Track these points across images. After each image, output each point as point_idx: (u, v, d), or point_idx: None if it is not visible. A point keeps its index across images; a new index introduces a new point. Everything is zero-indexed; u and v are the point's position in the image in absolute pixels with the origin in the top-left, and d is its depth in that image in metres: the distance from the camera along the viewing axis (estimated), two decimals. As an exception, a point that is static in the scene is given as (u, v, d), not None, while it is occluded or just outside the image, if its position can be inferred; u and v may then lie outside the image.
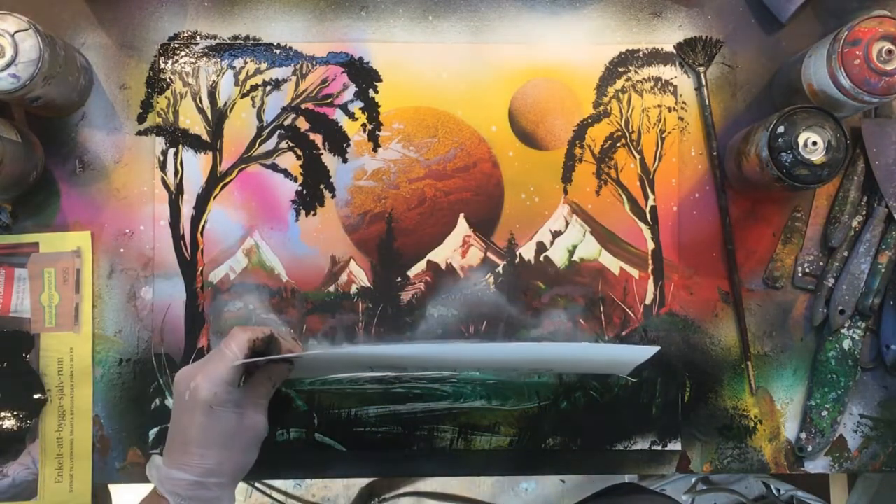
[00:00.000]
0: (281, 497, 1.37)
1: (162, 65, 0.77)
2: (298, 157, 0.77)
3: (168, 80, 0.77)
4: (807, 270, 0.77)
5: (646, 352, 0.63)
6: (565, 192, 0.77)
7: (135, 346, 0.76)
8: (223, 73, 0.77)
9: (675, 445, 0.76)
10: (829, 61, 0.67)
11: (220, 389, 0.59)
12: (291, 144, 0.77)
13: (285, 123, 0.77)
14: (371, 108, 0.77)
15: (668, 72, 0.78)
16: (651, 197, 0.77)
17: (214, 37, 0.77)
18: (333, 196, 0.77)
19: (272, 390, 0.64)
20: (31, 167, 0.73)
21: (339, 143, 0.77)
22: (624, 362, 0.67)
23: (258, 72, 0.77)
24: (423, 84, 0.78)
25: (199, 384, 0.59)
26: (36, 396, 0.75)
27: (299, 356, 0.64)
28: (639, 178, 0.78)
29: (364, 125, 0.77)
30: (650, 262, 0.77)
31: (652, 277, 0.77)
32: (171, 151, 0.77)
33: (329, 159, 0.77)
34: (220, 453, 0.60)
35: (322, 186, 0.77)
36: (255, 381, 0.63)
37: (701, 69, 0.77)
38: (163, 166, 0.77)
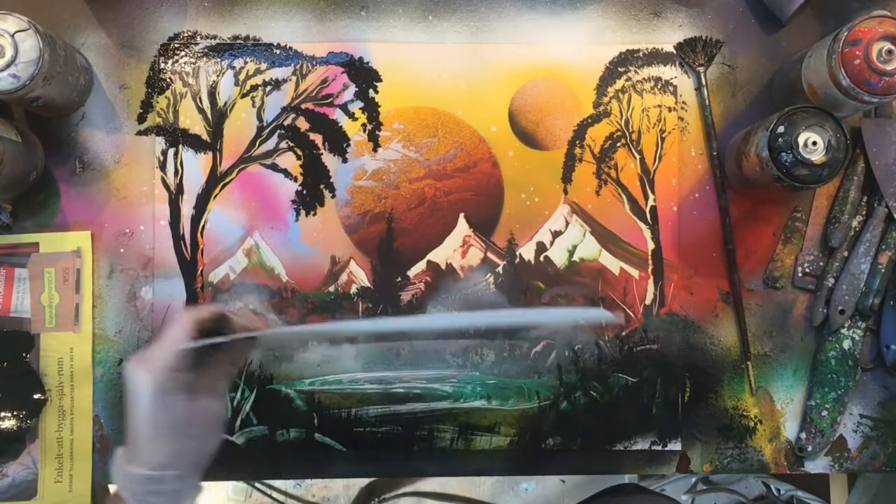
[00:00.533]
0: (281, 497, 1.37)
1: (162, 65, 0.77)
2: (298, 157, 0.77)
3: (168, 80, 0.77)
4: (807, 270, 0.77)
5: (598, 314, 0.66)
6: (565, 192, 0.77)
7: (135, 346, 0.76)
8: (223, 73, 0.77)
9: (675, 445, 0.76)
10: (829, 61, 0.67)
11: (163, 377, 0.55)
12: (291, 144, 0.77)
13: (285, 123, 0.77)
14: (371, 108, 0.77)
15: (668, 72, 0.78)
16: (651, 197, 0.77)
17: (214, 37, 0.77)
18: (333, 196, 0.77)
19: (234, 370, 0.60)
20: (31, 167, 0.73)
21: (339, 143, 0.77)
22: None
23: (258, 72, 0.77)
24: (423, 84, 0.78)
25: (138, 375, 0.55)
26: (36, 396, 0.75)
27: (253, 334, 0.59)
28: (639, 178, 0.78)
29: (364, 125, 0.77)
30: (650, 262, 0.77)
31: (652, 277, 0.77)
32: (171, 151, 0.77)
33: (329, 159, 0.77)
34: (172, 444, 0.56)
35: (322, 186, 0.77)
36: (211, 363, 0.59)
37: (701, 69, 0.77)
38: (163, 166, 0.77)
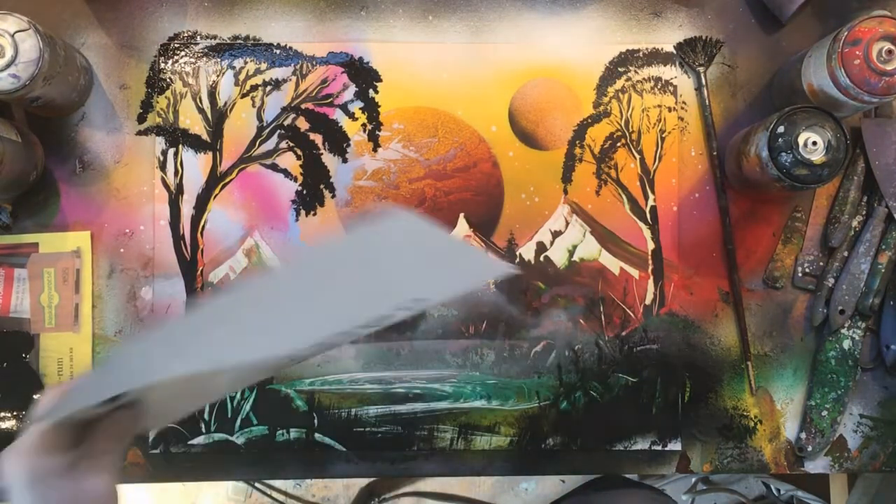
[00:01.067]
0: (281, 497, 1.37)
1: (162, 65, 0.77)
2: (298, 157, 0.77)
3: (168, 80, 0.77)
4: (807, 270, 0.77)
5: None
6: (565, 192, 0.77)
7: (135, 346, 0.76)
8: (223, 73, 0.77)
9: (675, 445, 0.76)
10: (829, 61, 0.67)
11: (35, 463, 0.49)
12: (291, 144, 0.77)
13: (285, 123, 0.77)
14: (371, 108, 0.77)
15: (668, 72, 0.78)
16: (651, 197, 0.77)
17: (214, 37, 0.77)
18: (333, 196, 0.77)
19: (124, 442, 0.53)
20: (31, 167, 0.73)
21: (339, 143, 0.77)
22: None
23: (258, 72, 0.77)
24: (423, 84, 0.78)
25: (8, 465, 0.49)
26: (36, 396, 0.75)
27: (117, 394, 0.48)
28: (639, 178, 0.78)
29: (364, 125, 0.77)
30: (650, 262, 0.77)
31: (652, 277, 0.77)
32: (171, 151, 0.77)
33: (329, 159, 0.77)
34: None
35: (322, 186, 0.77)
36: (94, 437, 0.51)
37: (701, 69, 0.77)
38: (163, 166, 0.77)
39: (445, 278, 0.45)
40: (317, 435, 0.76)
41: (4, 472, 0.49)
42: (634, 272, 0.77)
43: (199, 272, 0.76)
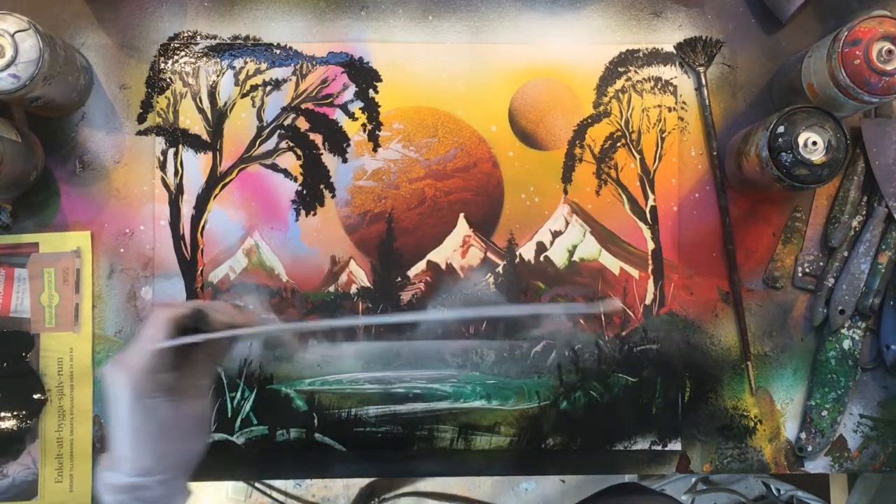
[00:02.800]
0: (281, 497, 1.37)
1: (162, 65, 0.77)
2: (298, 157, 0.77)
3: (168, 80, 0.77)
4: (807, 270, 0.77)
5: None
6: (565, 192, 0.78)
7: (135, 346, 0.76)
8: (223, 73, 0.77)
9: (675, 445, 0.76)
10: (829, 61, 0.67)
11: (142, 379, 0.52)
12: (291, 144, 0.77)
13: (285, 123, 0.77)
14: (371, 108, 0.77)
15: (668, 72, 0.78)
16: (651, 197, 0.77)
17: (214, 37, 0.77)
18: (333, 196, 0.77)
19: (216, 368, 0.58)
20: (31, 167, 0.73)
21: (339, 143, 0.77)
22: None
23: (258, 72, 0.77)
24: (423, 84, 0.78)
25: (116, 378, 0.52)
26: (36, 396, 0.75)
27: (233, 333, 0.56)
28: (639, 178, 0.78)
29: (364, 125, 0.77)
30: (650, 262, 0.77)
31: (652, 277, 0.77)
32: (171, 151, 0.77)
33: (329, 159, 0.77)
34: (156, 448, 0.53)
35: (322, 186, 0.77)
36: (191, 362, 0.56)
37: (701, 69, 0.77)
38: (163, 166, 0.77)
39: None
40: (317, 435, 0.76)
41: (113, 382, 0.52)
42: (634, 272, 0.77)
43: (199, 272, 0.76)
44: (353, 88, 0.77)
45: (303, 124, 0.77)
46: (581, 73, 0.78)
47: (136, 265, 0.76)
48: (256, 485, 1.34)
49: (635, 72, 0.78)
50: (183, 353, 0.55)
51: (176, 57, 0.77)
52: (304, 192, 0.77)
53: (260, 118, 0.77)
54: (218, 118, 0.77)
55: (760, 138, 0.68)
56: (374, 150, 0.77)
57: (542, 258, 0.77)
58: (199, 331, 0.55)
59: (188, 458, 0.56)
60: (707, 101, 0.77)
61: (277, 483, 1.38)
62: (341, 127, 0.77)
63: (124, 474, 0.53)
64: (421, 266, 0.77)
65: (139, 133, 0.77)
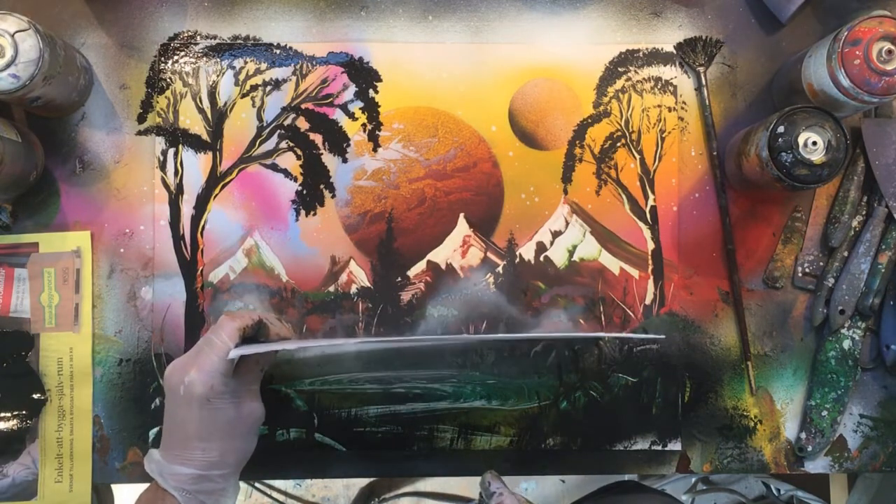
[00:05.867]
0: (281, 497, 1.37)
1: (162, 65, 0.77)
2: (298, 157, 0.77)
3: (168, 80, 0.77)
4: (807, 270, 0.77)
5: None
6: (565, 192, 0.78)
7: (135, 346, 0.76)
8: (223, 73, 0.77)
9: (675, 445, 0.76)
10: (829, 61, 0.67)
11: (215, 381, 0.59)
12: (291, 144, 0.77)
13: (285, 123, 0.77)
14: (371, 108, 0.77)
15: (668, 72, 0.78)
16: (651, 197, 0.77)
17: (214, 37, 0.77)
18: (333, 196, 0.77)
19: (261, 374, 0.65)
20: (31, 167, 0.73)
21: (339, 143, 0.77)
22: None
23: (258, 72, 0.77)
24: (423, 84, 0.78)
25: (193, 378, 0.59)
26: (36, 396, 0.75)
27: (290, 347, 0.65)
28: (639, 178, 0.78)
29: (364, 125, 0.77)
30: (650, 262, 0.77)
31: (652, 277, 0.77)
32: (171, 151, 0.77)
33: (329, 159, 0.77)
34: (221, 445, 0.60)
35: (322, 186, 0.77)
36: (246, 368, 0.63)
37: (701, 69, 0.77)
38: (163, 166, 0.77)
39: None
40: (317, 435, 0.76)
41: (190, 383, 0.59)
42: (634, 272, 0.77)
43: (199, 272, 0.76)
44: (353, 88, 0.77)
45: (303, 124, 0.77)
46: (581, 73, 0.78)
47: (136, 265, 0.76)
48: (256, 485, 1.34)
49: (635, 72, 0.78)
50: (241, 360, 0.62)
51: (176, 57, 0.77)
52: (304, 192, 0.77)
53: (260, 118, 0.77)
54: (218, 118, 0.77)
55: (760, 138, 0.68)
56: (374, 150, 0.77)
57: (542, 258, 0.77)
58: (256, 340, 0.63)
59: (244, 456, 0.63)
60: (707, 101, 0.77)
61: (277, 483, 1.38)
62: (341, 127, 0.77)
63: (193, 467, 0.59)
64: (421, 266, 0.77)
65: (139, 133, 0.77)
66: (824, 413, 0.76)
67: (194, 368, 0.59)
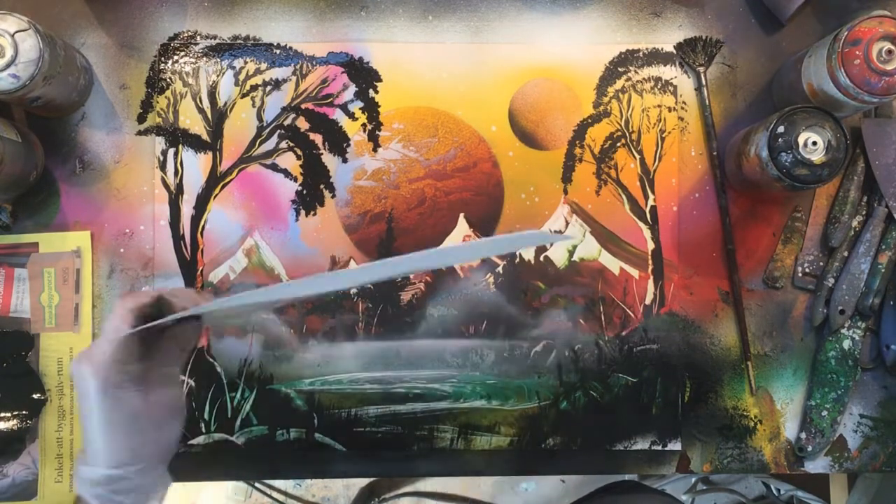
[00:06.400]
0: (281, 497, 1.37)
1: (162, 65, 0.77)
2: (298, 157, 0.77)
3: (168, 80, 0.77)
4: (807, 270, 0.77)
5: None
6: (565, 192, 0.78)
7: (135, 346, 0.76)
8: (223, 73, 0.77)
9: (675, 445, 0.76)
10: (829, 61, 0.67)
11: (109, 371, 0.52)
12: (291, 144, 0.77)
13: (285, 123, 0.77)
14: (371, 108, 0.77)
15: (668, 72, 0.78)
16: (651, 197, 0.77)
17: (214, 37, 0.77)
18: (333, 196, 0.77)
19: (182, 354, 0.58)
20: (31, 167, 0.73)
21: (339, 143, 0.77)
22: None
23: (258, 72, 0.77)
24: (423, 84, 0.78)
25: (83, 371, 0.52)
26: (36, 396, 0.75)
27: (200, 311, 0.55)
28: (639, 178, 0.78)
29: (364, 125, 0.77)
30: (650, 262, 0.77)
31: (652, 277, 0.77)
32: (171, 151, 0.77)
33: (329, 159, 0.77)
34: (129, 439, 0.53)
35: (322, 186, 0.77)
36: (158, 350, 0.56)
37: (701, 69, 0.77)
38: (163, 166, 0.77)
39: None
40: (317, 435, 0.76)
41: (81, 376, 0.52)
42: (634, 272, 0.77)
43: (198, 272, 0.76)
44: (353, 88, 0.77)
45: (303, 124, 0.77)
46: (581, 73, 0.78)
47: (136, 265, 0.76)
48: (256, 485, 1.34)
49: (635, 72, 0.78)
50: (148, 342, 0.55)
51: (176, 57, 0.77)
52: (304, 192, 0.77)
53: (260, 118, 0.77)
54: (218, 118, 0.77)
55: (760, 138, 0.68)
56: (374, 150, 0.77)
57: (542, 258, 0.77)
58: (162, 316, 0.55)
59: (163, 447, 0.56)
60: (707, 101, 0.77)
61: (277, 483, 1.38)
62: (341, 127, 0.77)
63: (100, 467, 0.53)
64: (421, 266, 0.77)
65: (139, 133, 0.77)
66: (824, 413, 0.76)
67: (84, 360, 0.53)
